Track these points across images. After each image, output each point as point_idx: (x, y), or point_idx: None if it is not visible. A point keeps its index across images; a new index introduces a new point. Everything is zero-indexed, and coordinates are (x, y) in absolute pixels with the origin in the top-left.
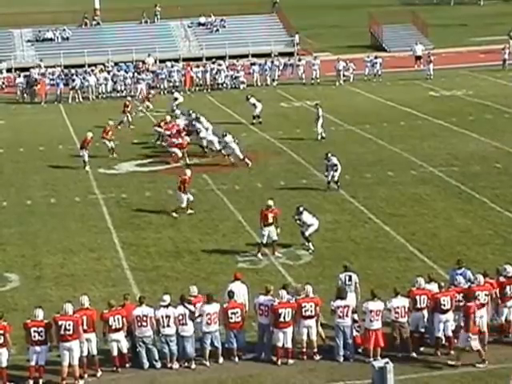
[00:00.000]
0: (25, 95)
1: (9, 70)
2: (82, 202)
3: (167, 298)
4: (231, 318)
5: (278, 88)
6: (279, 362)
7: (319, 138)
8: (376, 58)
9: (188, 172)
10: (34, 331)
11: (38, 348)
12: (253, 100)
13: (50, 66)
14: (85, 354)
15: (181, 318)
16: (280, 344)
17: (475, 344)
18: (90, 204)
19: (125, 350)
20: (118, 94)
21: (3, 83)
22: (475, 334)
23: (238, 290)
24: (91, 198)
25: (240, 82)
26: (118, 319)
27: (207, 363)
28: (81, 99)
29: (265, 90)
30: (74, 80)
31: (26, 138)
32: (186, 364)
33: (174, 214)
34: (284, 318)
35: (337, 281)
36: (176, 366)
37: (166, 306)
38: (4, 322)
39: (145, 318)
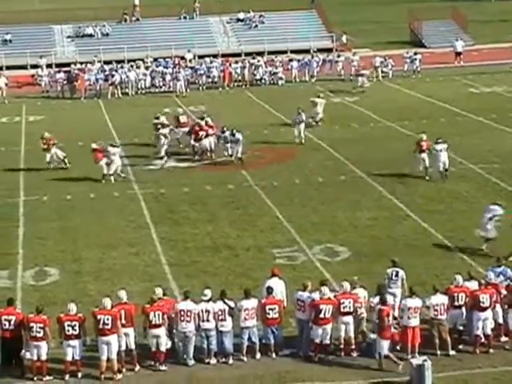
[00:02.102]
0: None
1: (49, 66)
2: (121, 196)
3: (208, 292)
4: (269, 313)
5: (316, 84)
6: (317, 358)
7: (298, 141)
8: (415, 54)
9: (424, 136)
10: (68, 325)
11: (71, 342)
12: (319, 102)
13: (90, 61)
14: (123, 348)
15: (220, 313)
16: (318, 340)
17: (385, 349)
18: (129, 199)
19: (164, 346)
20: (157, 90)
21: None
22: (387, 338)
23: (275, 285)
24: (130, 193)
25: (278, 77)
26: (159, 315)
27: (244, 358)
28: (120, 95)
29: (303, 85)
30: (113, 76)
31: (66, 133)
32: (224, 359)
33: (427, 177)
34: (324, 314)
35: (383, 276)
36: (213, 361)
37: (207, 301)
38: (44, 316)
39: (189, 313)
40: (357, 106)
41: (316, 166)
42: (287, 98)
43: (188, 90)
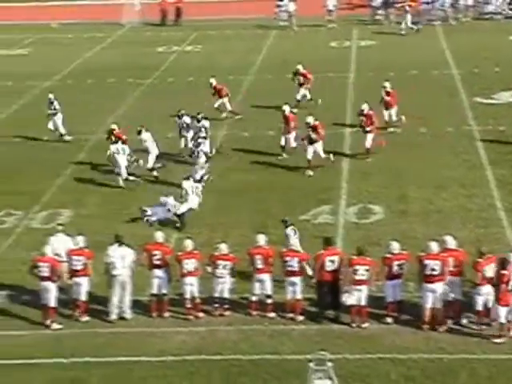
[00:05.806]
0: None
1: None
2: (455, 133)
3: None
4: None
5: None
6: None
7: None
8: None
9: None
10: (396, 265)
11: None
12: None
13: None
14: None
15: None
16: None
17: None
18: (464, 135)
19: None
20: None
21: None
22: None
23: None
24: (465, 130)
25: None
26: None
27: None
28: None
29: None
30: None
31: (398, 60)
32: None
33: None
34: None
35: None
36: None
37: None
38: (368, 258)
39: None
40: None
41: None
42: None
43: None
